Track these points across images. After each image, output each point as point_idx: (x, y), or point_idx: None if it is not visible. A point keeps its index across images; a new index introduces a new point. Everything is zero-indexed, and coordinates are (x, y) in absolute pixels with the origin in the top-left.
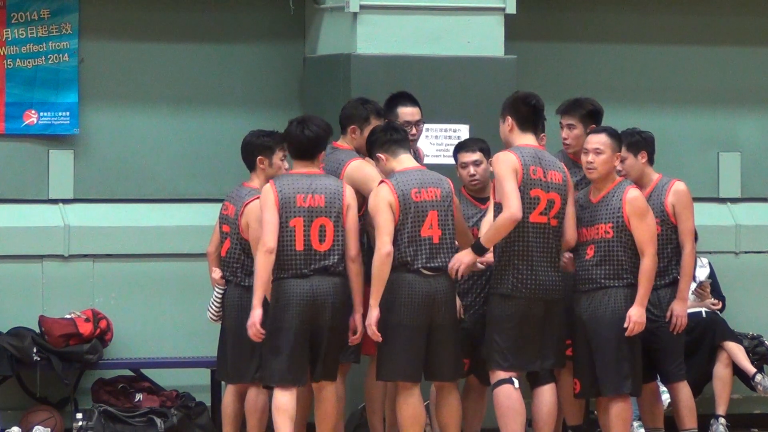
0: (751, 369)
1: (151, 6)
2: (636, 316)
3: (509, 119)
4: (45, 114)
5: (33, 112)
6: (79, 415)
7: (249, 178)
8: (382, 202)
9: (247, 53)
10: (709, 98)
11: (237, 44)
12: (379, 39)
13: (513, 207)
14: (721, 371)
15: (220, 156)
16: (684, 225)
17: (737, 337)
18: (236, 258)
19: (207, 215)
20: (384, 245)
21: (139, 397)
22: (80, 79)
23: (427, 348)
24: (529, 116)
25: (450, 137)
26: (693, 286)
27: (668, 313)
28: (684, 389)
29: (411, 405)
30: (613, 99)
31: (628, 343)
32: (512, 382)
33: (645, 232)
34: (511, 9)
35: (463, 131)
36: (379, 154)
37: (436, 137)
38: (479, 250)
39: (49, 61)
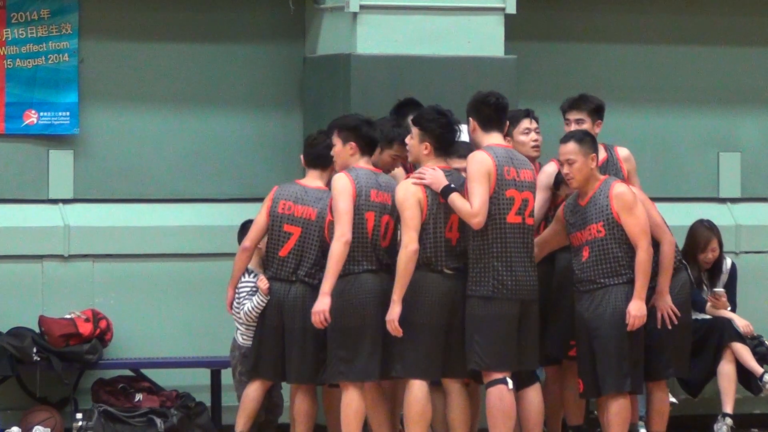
0: (758, 369)
1: (151, 6)
2: (635, 310)
3: (471, 120)
4: (45, 114)
5: (33, 112)
6: (79, 415)
7: (301, 176)
8: (412, 198)
9: (247, 53)
10: (709, 98)
11: (237, 44)
12: (379, 39)
13: (476, 208)
14: (724, 367)
15: (220, 156)
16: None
17: (744, 339)
18: (317, 260)
19: (207, 215)
20: (411, 241)
21: (139, 397)
22: (80, 79)
23: (444, 346)
24: (491, 116)
25: None
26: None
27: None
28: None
29: (421, 402)
30: (613, 99)
31: (629, 341)
32: (506, 383)
33: (636, 225)
34: (511, 9)
35: (463, 131)
36: (426, 143)
37: None
38: (445, 192)
39: (49, 61)
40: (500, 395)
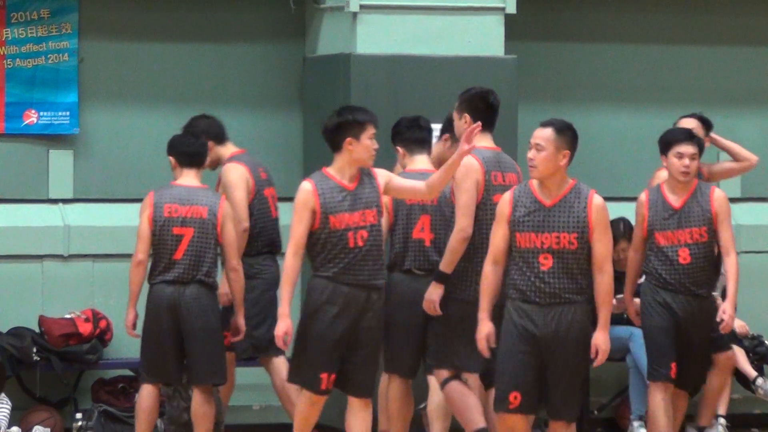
0: (752, 373)
1: (151, 6)
2: (605, 344)
3: (467, 117)
4: (45, 114)
5: (33, 111)
6: (79, 415)
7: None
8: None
9: (247, 53)
10: (709, 98)
11: (237, 44)
12: (379, 39)
13: (462, 225)
14: None
15: None
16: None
17: (739, 340)
18: (213, 258)
19: None
20: None
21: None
22: (80, 79)
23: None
24: (488, 115)
25: None
26: None
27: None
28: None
29: (403, 397)
30: (613, 99)
31: (586, 367)
32: (459, 377)
33: (608, 245)
34: (511, 9)
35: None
36: (398, 147)
37: (437, 137)
38: (442, 278)
39: (49, 61)
40: (458, 389)
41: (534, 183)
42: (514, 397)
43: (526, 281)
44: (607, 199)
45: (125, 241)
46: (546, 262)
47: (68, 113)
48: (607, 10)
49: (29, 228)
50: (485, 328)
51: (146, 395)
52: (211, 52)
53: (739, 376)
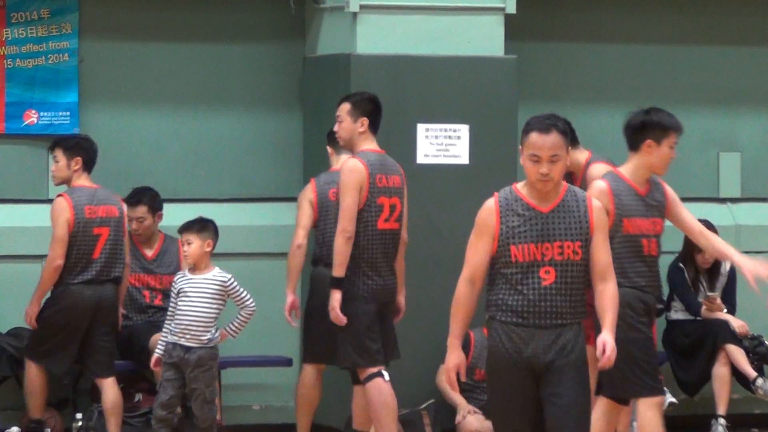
0: (751, 373)
1: (151, 6)
2: (613, 343)
3: (365, 120)
4: (45, 114)
5: (33, 111)
6: (79, 416)
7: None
8: (305, 200)
9: (247, 53)
10: (709, 98)
11: (237, 44)
12: (379, 39)
13: (344, 225)
14: (719, 370)
15: (220, 156)
16: None
17: (738, 340)
18: (123, 256)
19: (207, 215)
20: (297, 238)
21: (138, 397)
22: (80, 79)
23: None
24: (378, 118)
25: (450, 137)
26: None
27: None
28: None
29: (316, 384)
30: (613, 99)
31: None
32: (382, 376)
33: (610, 253)
34: (511, 9)
35: (463, 131)
36: (329, 147)
37: (436, 137)
38: (338, 283)
39: (49, 61)
40: (378, 388)
41: (520, 187)
42: None
43: (522, 301)
44: None
45: None
46: (548, 277)
47: (68, 113)
48: (607, 10)
49: (29, 228)
50: (455, 357)
51: (35, 374)
52: (211, 52)
53: (739, 376)
